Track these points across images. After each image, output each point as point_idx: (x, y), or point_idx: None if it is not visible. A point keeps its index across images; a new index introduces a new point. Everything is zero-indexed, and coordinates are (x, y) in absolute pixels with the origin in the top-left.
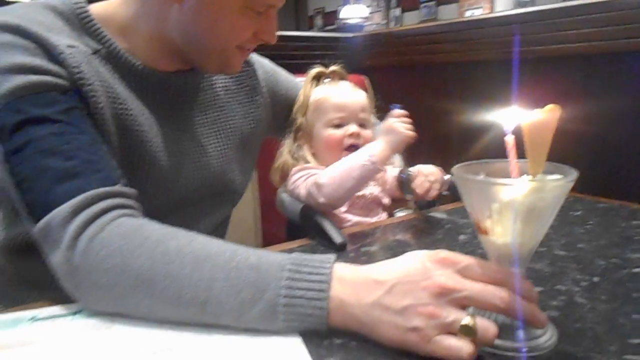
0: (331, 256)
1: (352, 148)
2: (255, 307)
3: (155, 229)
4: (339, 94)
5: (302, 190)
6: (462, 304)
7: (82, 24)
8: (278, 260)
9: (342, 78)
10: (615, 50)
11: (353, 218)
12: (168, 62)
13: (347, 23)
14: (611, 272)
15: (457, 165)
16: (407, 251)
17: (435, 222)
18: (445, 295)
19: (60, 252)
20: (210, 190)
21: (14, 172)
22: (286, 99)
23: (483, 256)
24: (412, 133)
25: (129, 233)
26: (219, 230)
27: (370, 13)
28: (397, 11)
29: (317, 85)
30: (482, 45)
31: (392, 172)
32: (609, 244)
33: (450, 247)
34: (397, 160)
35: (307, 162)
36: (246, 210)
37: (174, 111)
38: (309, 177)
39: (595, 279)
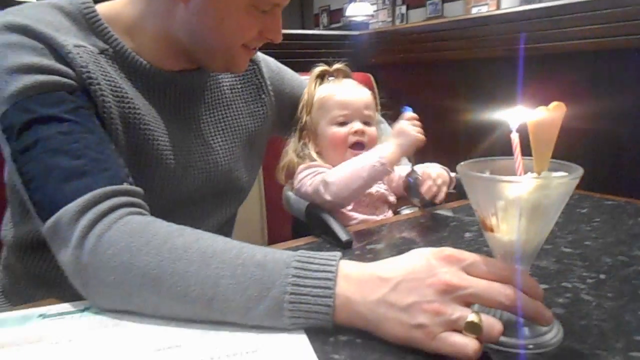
0: (337, 254)
1: (357, 145)
2: (261, 304)
3: (162, 227)
4: (343, 91)
5: (308, 188)
6: (467, 301)
7: (89, 23)
8: (284, 257)
9: (346, 76)
10: (622, 46)
11: (359, 216)
12: (174, 62)
13: (353, 21)
14: (617, 270)
15: (462, 163)
16: (412, 249)
17: (441, 220)
18: (450, 293)
19: (69, 251)
20: (217, 188)
21: (22, 171)
22: (291, 97)
23: (489, 254)
24: (422, 137)
25: (136, 231)
26: (225, 228)
27: (376, 11)
28: (402, 8)
29: (321, 84)
30: (488, 42)
31: (398, 170)
32: (616, 242)
33: (456, 245)
34: (404, 159)
35: (312, 160)
36: (252, 208)
37: (181, 110)
38: (316, 174)
39: (602, 276)
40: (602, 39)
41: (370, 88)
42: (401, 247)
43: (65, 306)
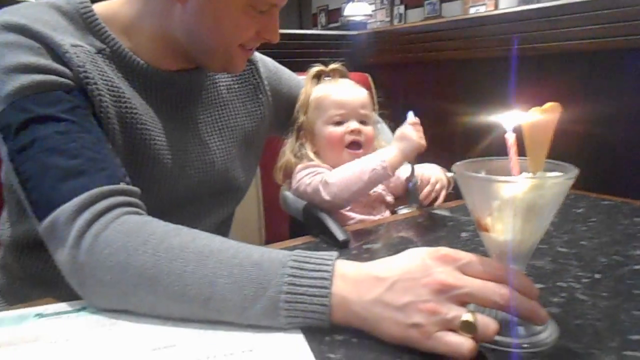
0: (333, 253)
1: (354, 145)
2: (257, 304)
3: (158, 227)
4: (339, 91)
5: (307, 188)
6: (463, 300)
7: (86, 23)
8: (280, 257)
9: (342, 76)
10: (619, 47)
11: (356, 216)
12: (171, 61)
13: (351, 20)
14: (613, 269)
15: (458, 163)
16: (409, 248)
17: (438, 220)
18: (445, 292)
19: (66, 250)
20: (214, 188)
21: (19, 171)
22: (289, 97)
23: (485, 253)
24: (424, 143)
25: (133, 231)
26: (222, 228)
27: (374, 10)
28: (400, 8)
29: (317, 84)
30: (486, 42)
31: (398, 171)
32: (611, 241)
33: (453, 245)
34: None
35: (310, 160)
36: (249, 208)
37: (178, 110)
38: (316, 175)
39: (597, 276)
40: (599, 39)
41: (368, 88)
42: (398, 247)
43: (62, 306)
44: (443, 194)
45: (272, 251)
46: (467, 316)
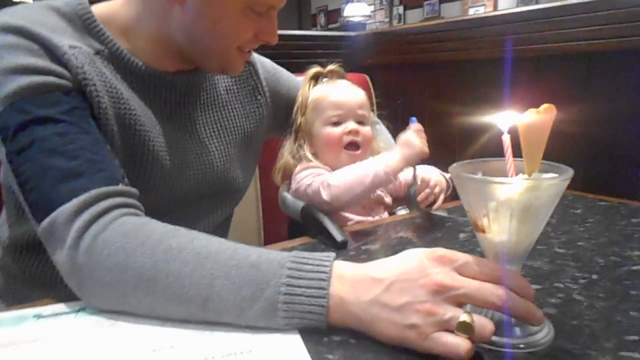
0: (331, 254)
1: (352, 145)
2: (255, 305)
3: (157, 228)
4: (337, 92)
5: (308, 189)
6: (460, 301)
7: (84, 24)
8: (278, 258)
9: (340, 77)
10: (617, 48)
11: (355, 217)
12: (170, 63)
13: (350, 21)
14: (610, 270)
15: (454, 164)
16: (407, 249)
17: (436, 221)
18: (442, 293)
19: (64, 251)
20: (212, 189)
21: (18, 172)
22: (287, 98)
23: (482, 254)
24: (427, 150)
25: (131, 232)
26: (220, 229)
27: (373, 11)
28: (399, 9)
29: (315, 85)
30: (485, 43)
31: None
32: (608, 242)
33: (450, 245)
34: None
35: (308, 161)
36: (248, 208)
37: (177, 111)
38: (316, 176)
39: (594, 277)
40: (598, 40)
41: (367, 89)
42: (396, 248)
43: (61, 306)
44: (442, 197)
45: (270, 252)
46: (464, 317)
